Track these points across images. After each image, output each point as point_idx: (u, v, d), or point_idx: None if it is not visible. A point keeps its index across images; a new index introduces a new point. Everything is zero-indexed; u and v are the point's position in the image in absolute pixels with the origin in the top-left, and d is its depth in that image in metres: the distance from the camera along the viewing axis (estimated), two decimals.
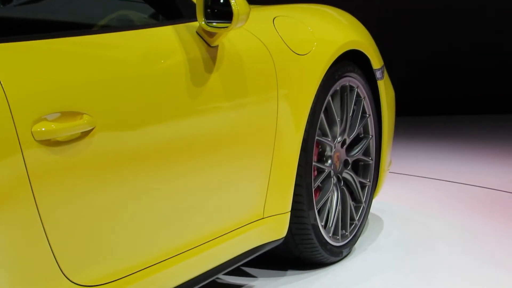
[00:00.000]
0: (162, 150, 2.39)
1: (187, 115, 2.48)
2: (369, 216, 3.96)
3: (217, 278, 3.12)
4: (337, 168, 3.39)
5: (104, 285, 2.25)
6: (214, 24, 2.53)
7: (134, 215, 2.33)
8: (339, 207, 3.36)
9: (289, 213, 3.03)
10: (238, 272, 3.21)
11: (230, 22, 2.49)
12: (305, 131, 3.05)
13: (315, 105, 3.11)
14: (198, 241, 2.63)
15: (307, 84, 3.04)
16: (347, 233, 3.42)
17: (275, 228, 3.00)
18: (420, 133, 6.50)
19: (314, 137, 3.12)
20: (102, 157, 2.17)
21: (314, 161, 3.19)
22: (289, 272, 3.24)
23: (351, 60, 3.38)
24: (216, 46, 2.62)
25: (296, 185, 3.05)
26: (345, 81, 3.33)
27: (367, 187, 3.57)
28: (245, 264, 3.25)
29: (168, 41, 2.50)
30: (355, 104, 3.46)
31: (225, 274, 3.14)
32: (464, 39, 7.40)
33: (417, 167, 5.18)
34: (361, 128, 3.53)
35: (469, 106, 7.35)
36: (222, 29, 2.52)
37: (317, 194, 3.29)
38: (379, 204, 4.06)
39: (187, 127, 2.48)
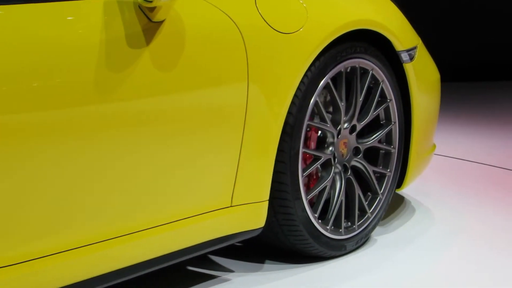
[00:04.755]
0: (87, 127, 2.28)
1: (116, 92, 2.34)
2: (401, 206, 3.70)
3: (189, 268, 2.99)
4: (344, 156, 3.15)
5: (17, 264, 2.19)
6: None
7: (52, 190, 2.24)
8: (342, 197, 3.12)
9: (267, 202, 2.84)
10: (212, 264, 3.04)
11: None
12: (291, 115, 2.84)
13: (307, 88, 2.88)
14: (149, 224, 2.52)
15: (291, 65, 2.81)
16: (354, 226, 3.17)
17: (248, 218, 2.82)
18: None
19: (303, 122, 2.89)
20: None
21: (305, 148, 2.97)
22: (266, 265, 3.03)
23: (368, 40, 3.12)
24: (160, 22, 2.45)
25: (278, 172, 2.85)
26: (353, 62, 3.07)
27: (386, 177, 3.30)
28: (220, 255, 3.09)
29: (100, 13, 2.35)
30: (371, 88, 3.19)
31: (199, 266, 3.00)
32: None
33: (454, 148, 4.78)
34: (382, 114, 3.26)
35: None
36: (147, 2, 2.36)
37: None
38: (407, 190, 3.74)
39: (114, 105, 2.35)
